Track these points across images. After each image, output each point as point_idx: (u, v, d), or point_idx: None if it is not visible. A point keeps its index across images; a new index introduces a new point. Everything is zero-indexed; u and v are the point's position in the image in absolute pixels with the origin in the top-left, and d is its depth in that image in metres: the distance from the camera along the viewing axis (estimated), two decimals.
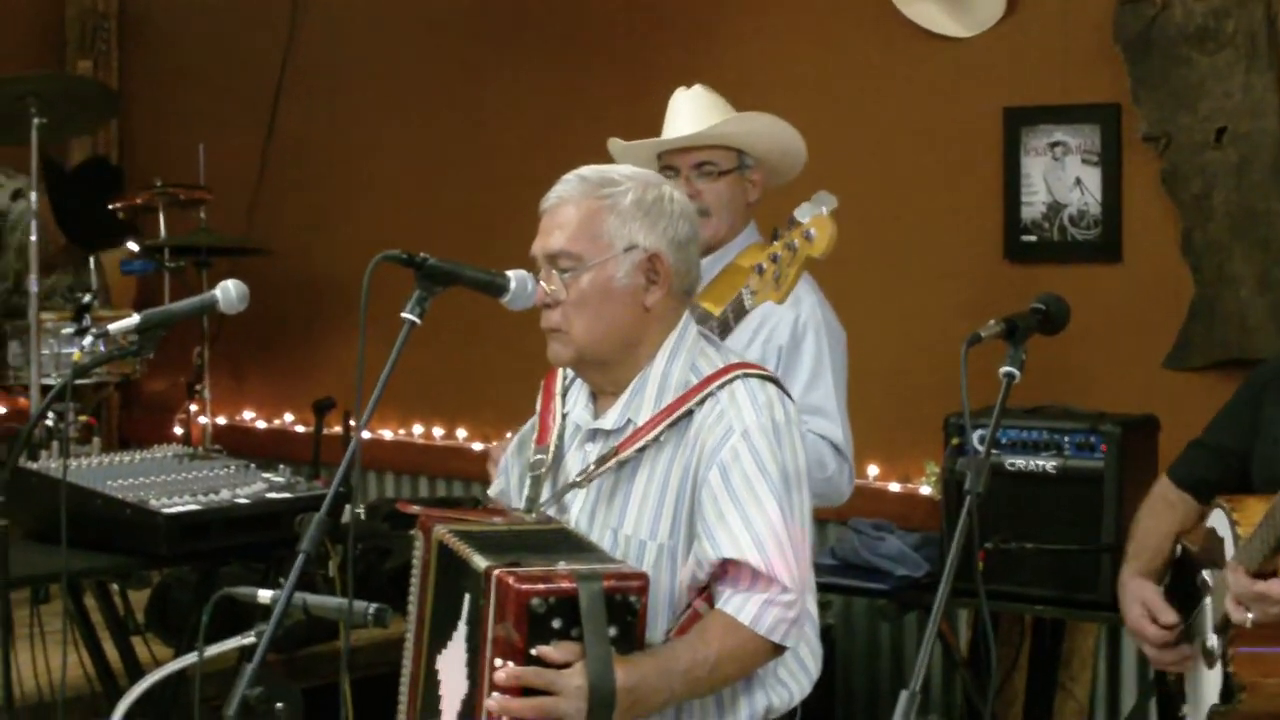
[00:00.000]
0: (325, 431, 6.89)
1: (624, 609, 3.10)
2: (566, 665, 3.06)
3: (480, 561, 3.11)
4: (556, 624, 3.06)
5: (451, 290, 3.22)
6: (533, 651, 3.05)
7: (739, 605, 3.23)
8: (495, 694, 3.06)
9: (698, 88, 4.65)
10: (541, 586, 3.04)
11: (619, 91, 6.72)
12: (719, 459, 3.27)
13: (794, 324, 4.33)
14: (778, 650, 3.27)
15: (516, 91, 7.26)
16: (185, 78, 8.53)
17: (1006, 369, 3.20)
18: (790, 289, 3.78)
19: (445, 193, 7.47)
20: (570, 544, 3.25)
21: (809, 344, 4.35)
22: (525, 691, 3.05)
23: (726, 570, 3.24)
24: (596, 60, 7.01)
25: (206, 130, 7.81)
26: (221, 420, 8.07)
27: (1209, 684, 3.63)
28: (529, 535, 3.31)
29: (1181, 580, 3.82)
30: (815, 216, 3.71)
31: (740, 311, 3.83)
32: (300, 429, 7.99)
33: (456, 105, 7.47)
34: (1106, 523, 4.82)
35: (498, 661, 3.06)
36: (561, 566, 3.09)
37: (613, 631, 3.08)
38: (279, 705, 2.77)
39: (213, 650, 3.04)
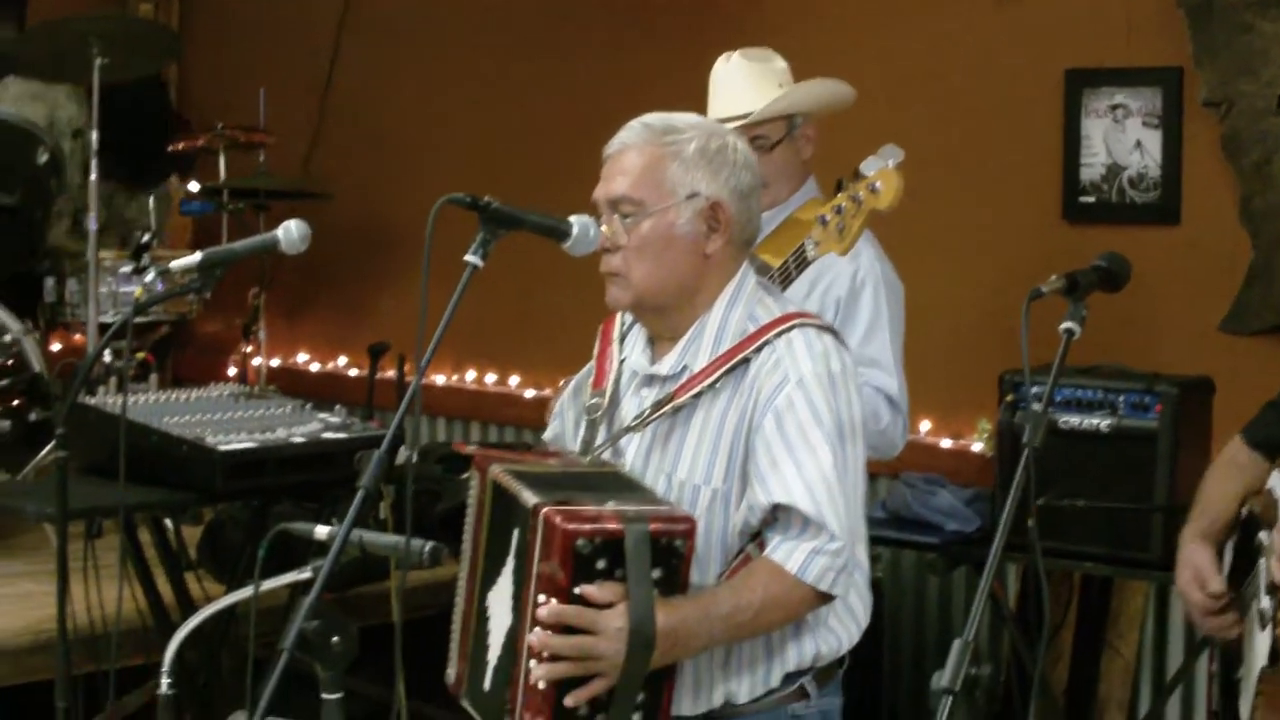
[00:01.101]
0: (379, 375, 6.92)
1: (669, 552, 3.11)
2: (609, 606, 3.08)
3: (530, 498, 3.13)
4: (601, 564, 3.08)
5: (507, 235, 3.21)
6: (576, 590, 3.08)
7: (787, 553, 3.24)
8: (537, 629, 3.08)
9: (736, 58, 4.59)
10: (588, 527, 3.06)
11: (677, 53, 6.65)
12: (774, 406, 3.27)
13: (852, 277, 4.34)
14: (824, 598, 3.28)
15: (577, 42, 7.25)
16: (246, 21, 8.55)
17: (1067, 325, 3.19)
18: (854, 240, 3.79)
19: (505, 138, 7.46)
20: (621, 485, 3.27)
21: (867, 297, 4.36)
22: (567, 629, 3.08)
23: (777, 516, 3.26)
24: (659, 21, 6.97)
25: (267, 73, 7.81)
26: (275, 362, 8.09)
27: (1261, 646, 3.62)
28: (581, 476, 3.33)
29: (1246, 542, 3.81)
30: (881, 170, 3.73)
31: (802, 262, 3.83)
32: (354, 372, 8.01)
33: (518, 50, 7.46)
34: (1159, 483, 4.81)
35: (541, 598, 3.08)
36: (610, 507, 3.10)
37: (657, 574, 3.10)
38: (335, 639, 2.78)
39: (268, 585, 3.05)
